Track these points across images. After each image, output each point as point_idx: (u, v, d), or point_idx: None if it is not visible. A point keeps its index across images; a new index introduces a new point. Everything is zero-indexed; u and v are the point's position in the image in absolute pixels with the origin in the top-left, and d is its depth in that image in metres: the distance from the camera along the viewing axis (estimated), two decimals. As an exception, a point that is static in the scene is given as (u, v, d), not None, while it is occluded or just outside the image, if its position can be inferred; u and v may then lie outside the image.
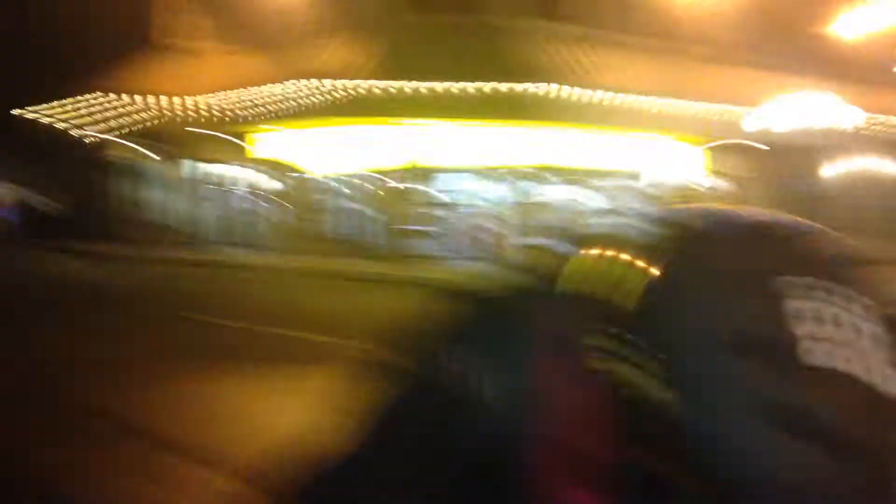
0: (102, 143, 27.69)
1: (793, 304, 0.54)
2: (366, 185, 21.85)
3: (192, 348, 7.96)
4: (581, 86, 18.88)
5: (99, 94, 23.94)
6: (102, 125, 24.12)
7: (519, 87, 18.30)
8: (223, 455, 4.48)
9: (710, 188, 24.02)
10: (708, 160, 22.56)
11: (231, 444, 4.71)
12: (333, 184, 23.14)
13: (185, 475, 4.21)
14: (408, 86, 18.50)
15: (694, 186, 23.72)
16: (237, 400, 5.84)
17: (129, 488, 3.99)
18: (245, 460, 4.33)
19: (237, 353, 7.67)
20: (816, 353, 0.53)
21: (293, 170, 23.83)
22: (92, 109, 24.32)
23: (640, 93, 19.81)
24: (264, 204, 24.99)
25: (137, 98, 23.70)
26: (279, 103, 20.49)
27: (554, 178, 21.41)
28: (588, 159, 20.89)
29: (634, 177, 22.61)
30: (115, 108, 23.63)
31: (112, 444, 4.75)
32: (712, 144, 22.12)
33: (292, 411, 5.33)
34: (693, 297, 0.57)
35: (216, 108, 22.92)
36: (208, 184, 26.70)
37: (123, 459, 4.44)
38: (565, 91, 18.55)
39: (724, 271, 0.57)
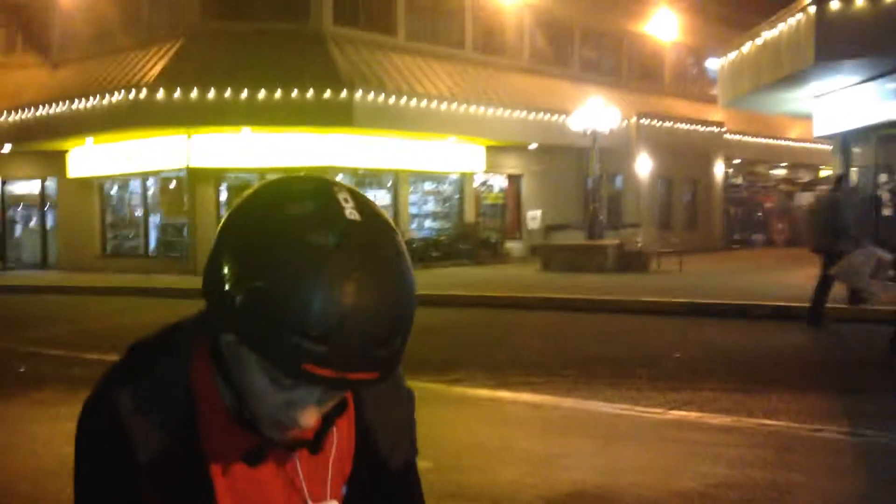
0: None
1: None
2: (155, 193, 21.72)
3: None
4: (380, 91, 19.67)
5: None
6: None
7: (320, 93, 18.84)
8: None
9: (490, 184, 25.71)
10: (489, 159, 24.09)
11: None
12: (143, 194, 22.82)
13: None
14: (211, 94, 18.61)
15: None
16: (10, 426, 6.11)
17: None
18: (5, 482, 4.73)
19: (32, 380, 7.82)
20: None
21: (110, 183, 23.27)
22: None
23: (433, 98, 20.90)
24: (65, 221, 24.18)
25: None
26: (97, 116, 20.04)
27: (357, 182, 22.17)
28: (388, 161, 21.76)
29: (437, 178, 23.84)
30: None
31: None
32: (492, 145, 23.63)
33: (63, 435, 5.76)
34: None
35: (27, 123, 22.02)
36: (19, 203, 25.55)
37: None
38: (363, 96, 19.27)
39: None
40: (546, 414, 6.26)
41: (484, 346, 9.63)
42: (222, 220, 0.97)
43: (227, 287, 0.90)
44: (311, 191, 0.95)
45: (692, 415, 5.99)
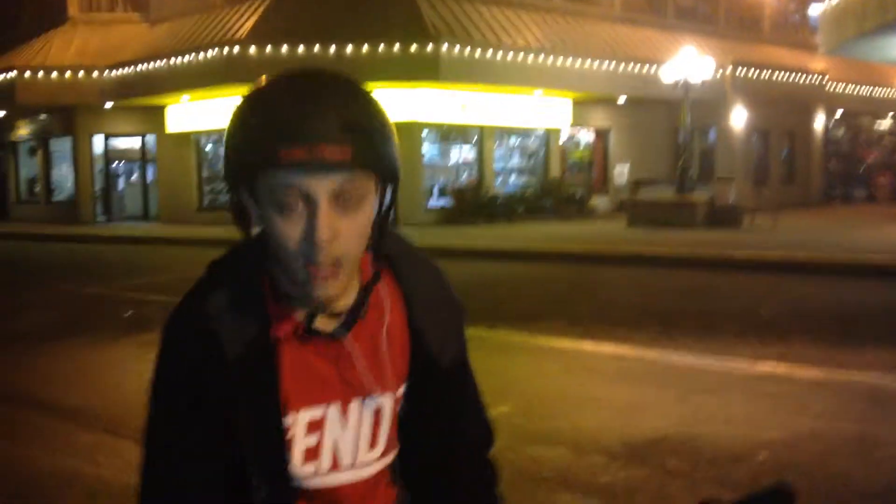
0: (11, 120, 27.19)
1: None
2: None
3: (92, 320, 8.62)
4: (466, 44, 19.56)
5: (10, 70, 23.56)
6: (12, 101, 23.79)
7: (407, 46, 18.87)
8: (93, 413, 5.23)
9: (576, 139, 25.29)
10: (576, 113, 23.68)
11: (106, 404, 5.45)
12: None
13: (52, 431, 4.93)
14: (300, 49, 18.90)
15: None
16: (120, 365, 6.55)
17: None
18: (116, 417, 5.10)
19: (137, 324, 8.32)
20: None
21: (205, 138, 24.05)
22: (1, 85, 23.93)
23: (521, 50, 20.62)
24: (168, 175, 25.12)
25: (49, 73, 23.47)
26: (191, 73, 20.70)
27: (442, 137, 22.22)
28: (473, 116, 21.70)
29: (523, 133, 23.65)
30: (25, 83, 23.33)
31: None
32: (580, 98, 23.20)
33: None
34: None
35: (127, 79, 22.93)
36: (121, 158, 26.71)
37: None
38: (449, 49, 19.20)
39: None
40: (629, 365, 6.28)
41: (568, 299, 9.65)
42: None
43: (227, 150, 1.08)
44: None
45: (780, 368, 5.91)
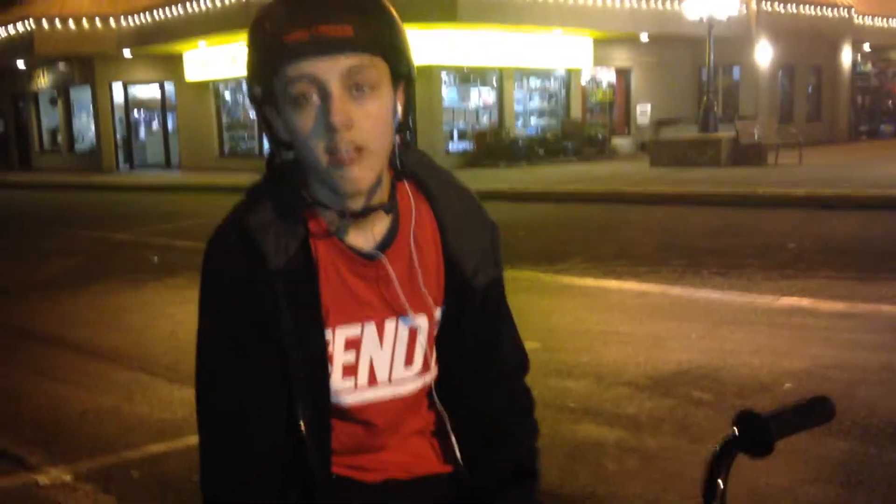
0: (30, 70, 27.23)
1: None
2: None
3: (119, 265, 8.76)
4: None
5: (27, 19, 23.51)
6: (30, 51, 23.80)
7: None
8: (126, 353, 5.36)
9: (597, 79, 24.89)
10: (597, 52, 23.27)
11: (138, 345, 5.58)
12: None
13: (89, 370, 5.06)
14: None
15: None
16: (149, 308, 6.67)
17: (36, 387, 4.83)
18: (149, 357, 5.22)
19: (164, 268, 8.44)
20: None
21: (224, 86, 23.98)
22: (20, 35, 23.91)
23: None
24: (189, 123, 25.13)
25: (66, 22, 23.38)
26: (208, 18, 20.56)
27: (462, 80, 21.97)
28: (492, 58, 21.41)
29: (543, 74, 23.32)
30: (43, 33, 23.29)
31: (21, 351, 5.61)
32: (600, 37, 22.78)
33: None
34: None
35: (144, 27, 22.82)
36: (140, 106, 26.75)
37: (30, 362, 5.29)
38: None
39: None
40: (652, 301, 6.30)
41: (591, 239, 9.65)
42: None
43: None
44: None
45: (804, 301, 5.90)
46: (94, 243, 10.86)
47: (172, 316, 6.12)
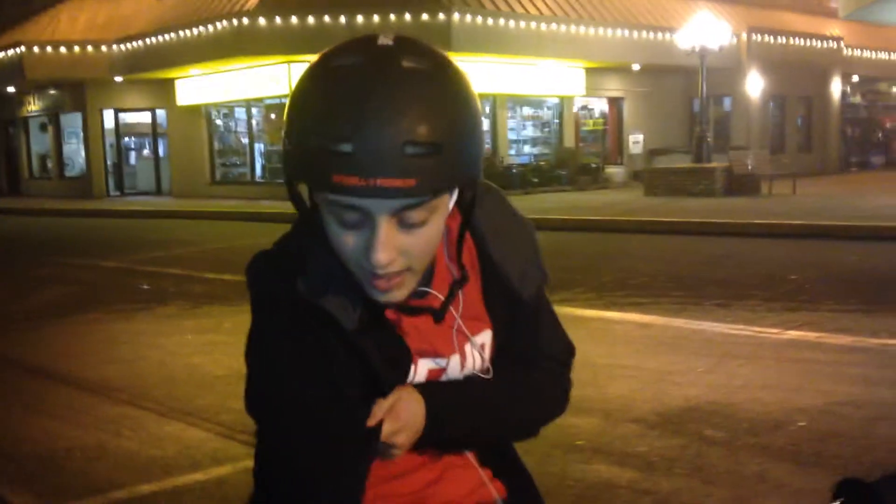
0: (20, 96, 27.13)
1: None
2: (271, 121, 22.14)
3: (110, 294, 8.57)
4: (478, 12, 19.28)
5: (19, 45, 23.44)
6: (21, 77, 23.71)
7: (418, 15, 18.64)
8: (115, 386, 5.18)
9: (590, 108, 24.99)
10: (589, 81, 23.39)
11: (128, 377, 5.40)
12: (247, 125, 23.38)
13: (76, 404, 4.88)
14: (310, 20, 18.70)
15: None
16: (139, 338, 6.49)
17: (21, 420, 4.64)
18: (139, 389, 5.05)
19: (155, 297, 8.26)
20: None
21: (216, 111, 23.94)
22: (10, 60, 23.83)
23: (532, 18, 20.33)
24: (174, 148, 25.03)
25: (58, 48, 23.33)
26: (201, 45, 20.54)
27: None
28: (486, 85, 21.46)
29: (536, 103, 23.38)
30: (33, 58, 23.22)
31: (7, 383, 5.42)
32: (593, 66, 22.89)
33: (190, 346, 6.11)
34: None
35: (137, 53, 22.79)
36: (132, 132, 26.67)
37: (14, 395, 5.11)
38: (461, 18, 18.95)
39: None
40: (656, 333, 6.18)
41: (590, 268, 9.54)
42: None
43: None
44: (354, 41, 1.00)
45: (811, 335, 5.79)
46: (83, 271, 10.67)
47: (163, 346, 5.94)
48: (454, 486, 1.17)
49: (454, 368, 1.16)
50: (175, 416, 4.50)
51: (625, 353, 5.61)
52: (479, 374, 1.16)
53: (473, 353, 1.17)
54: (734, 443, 3.85)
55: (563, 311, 7.06)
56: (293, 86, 1.01)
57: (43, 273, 10.55)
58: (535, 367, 1.22)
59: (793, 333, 5.86)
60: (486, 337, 1.18)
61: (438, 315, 1.09)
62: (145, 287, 8.96)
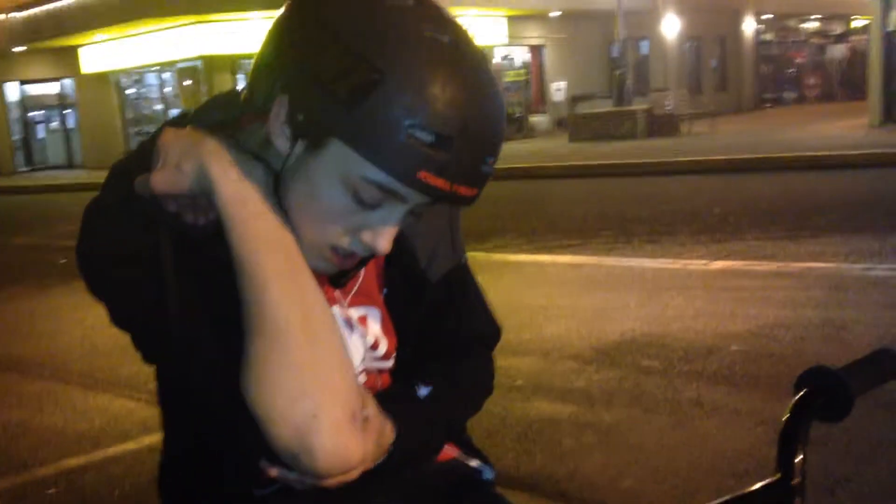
0: None
1: None
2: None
3: (25, 270, 8.19)
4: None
5: None
6: None
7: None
8: (35, 362, 4.94)
9: (511, 57, 24.94)
10: (510, 30, 23.30)
11: (48, 352, 5.16)
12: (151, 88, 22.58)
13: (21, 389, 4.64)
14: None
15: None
16: (58, 313, 6.21)
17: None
18: (61, 364, 4.83)
19: (72, 271, 7.92)
20: None
21: (126, 78, 23.01)
22: None
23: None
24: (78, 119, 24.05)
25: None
26: (103, 9, 19.61)
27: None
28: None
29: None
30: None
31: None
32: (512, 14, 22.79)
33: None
34: None
35: (37, 19, 21.64)
36: (37, 105, 25.45)
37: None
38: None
39: None
40: (588, 273, 6.21)
41: (519, 215, 9.53)
42: (288, 14, 0.87)
43: (327, 80, 0.79)
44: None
45: (738, 263, 5.90)
46: (-6, 249, 10.18)
47: (83, 320, 5.68)
48: None
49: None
50: (101, 387, 4.32)
51: (559, 294, 5.63)
52: (370, 352, 1.02)
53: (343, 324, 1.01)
54: (670, 371, 3.89)
55: (496, 257, 7.06)
56: (337, 18, 0.82)
57: (-49, 254, 10.03)
58: (464, 355, 1.10)
59: (720, 264, 5.96)
60: (369, 312, 1.03)
61: (338, 281, 0.97)
62: (62, 261, 8.58)
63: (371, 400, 0.90)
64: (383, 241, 0.87)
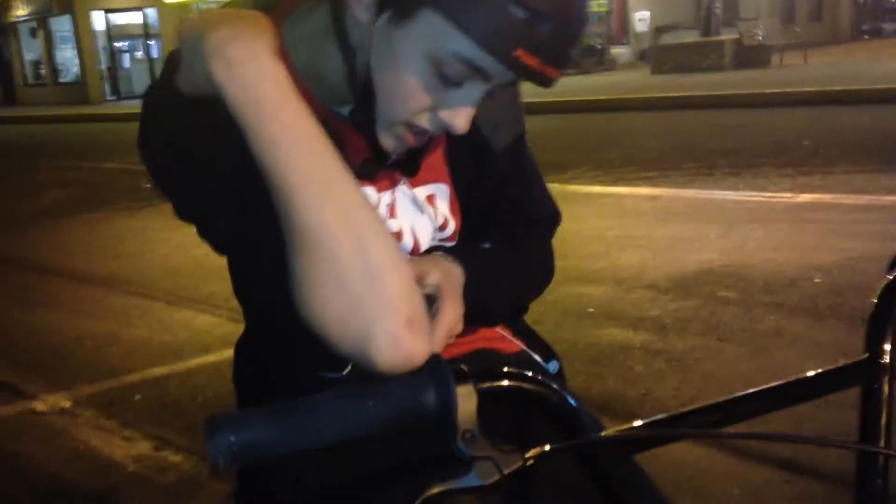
0: (5, 1, 26.37)
1: None
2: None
3: (112, 193, 8.51)
4: None
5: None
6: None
7: None
8: (123, 279, 5.16)
9: None
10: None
11: (134, 270, 5.37)
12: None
13: (85, 298, 4.87)
14: None
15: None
16: (144, 234, 6.45)
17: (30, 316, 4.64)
18: (146, 281, 5.03)
19: (153, 194, 8.19)
20: None
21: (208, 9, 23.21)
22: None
23: None
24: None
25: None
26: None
27: None
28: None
29: None
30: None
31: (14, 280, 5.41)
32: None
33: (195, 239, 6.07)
34: None
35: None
36: (122, 35, 25.99)
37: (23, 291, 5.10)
38: None
39: None
40: (665, 204, 6.07)
41: (597, 147, 9.34)
42: None
43: None
44: None
45: (825, 196, 5.67)
46: (84, 174, 10.56)
47: (168, 240, 5.89)
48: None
49: (382, 211, 1.00)
50: (184, 304, 4.48)
51: (635, 224, 5.52)
52: (438, 234, 1.02)
53: (404, 203, 1.01)
54: (748, 301, 3.80)
55: (571, 188, 6.97)
56: None
57: (44, 177, 10.45)
58: (522, 230, 1.10)
59: (807, 196, 5.74)
60: (437, 189, 1.03)
61: (410, 170, 0.96)
62: (147, 185, 8.84)
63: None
64: (462, 120, 0.85)
